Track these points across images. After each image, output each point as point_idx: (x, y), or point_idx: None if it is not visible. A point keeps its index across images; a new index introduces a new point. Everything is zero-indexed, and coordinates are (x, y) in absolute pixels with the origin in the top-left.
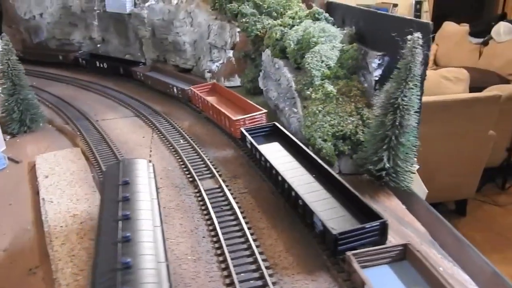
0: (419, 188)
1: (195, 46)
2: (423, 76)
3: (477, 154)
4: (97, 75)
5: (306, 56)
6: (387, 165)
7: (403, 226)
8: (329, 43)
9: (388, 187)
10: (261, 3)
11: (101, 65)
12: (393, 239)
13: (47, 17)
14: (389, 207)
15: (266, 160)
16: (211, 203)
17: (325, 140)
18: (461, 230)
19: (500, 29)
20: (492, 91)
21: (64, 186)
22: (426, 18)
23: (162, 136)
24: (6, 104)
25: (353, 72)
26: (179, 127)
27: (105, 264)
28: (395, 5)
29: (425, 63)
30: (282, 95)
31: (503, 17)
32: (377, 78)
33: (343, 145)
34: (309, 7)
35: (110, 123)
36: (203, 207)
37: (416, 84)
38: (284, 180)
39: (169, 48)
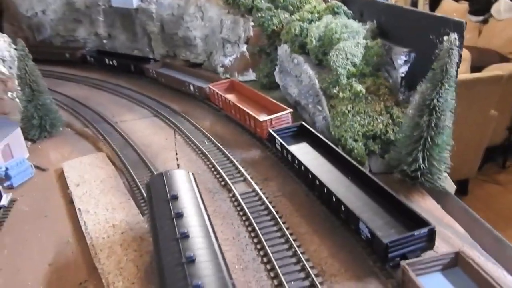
0: (449, 185)
1: (207, 41)
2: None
3: (479, 134)
4: (106, 72)
5: (330, 54)
6: (422, 165)
7: (443, 227)
8: (353, 39)
9: (422, 186)
10: None
11: (111, 63)
12: (436, 243)
13: (50, 14)
14: (424, 207)
15: (300, 163)
16: (247, 207)
17: (356, 140)
18: None
19: (500, 7)
20: (492, 70)
21: (98, 195)
22: None
23: (185, 137)
24: (26, 110)
25: (378, 69)
26: (201, 127)
27: (176, 287)
28: None
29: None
30: (304, 92)
31: None
32: (403, 75)
33: (373, 144)
34: (325, 0)
35: (129, 124)
36: (241, 213)
37: (451, 85)
38: (322, 185)
39: (179, 43)
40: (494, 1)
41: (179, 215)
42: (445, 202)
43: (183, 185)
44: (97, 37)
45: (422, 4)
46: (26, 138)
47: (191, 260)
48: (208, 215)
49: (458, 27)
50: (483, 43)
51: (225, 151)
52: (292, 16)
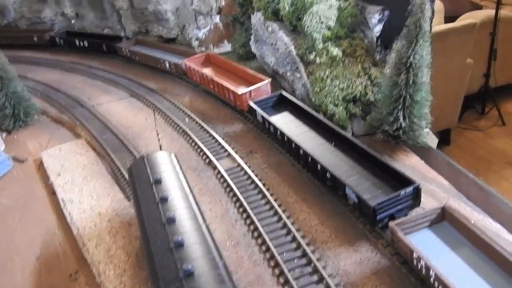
0: (431, 140)
1: (178, 14)
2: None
3: (457, 84)
4: (78, 54)
5: (304, 19)
6: (404, 124)
7: (428, 182)
8: (326, 1)
9: (405, 144)
10: None
11: (81, 44)
12: (422, 199)
13: None
14: (409, 165)
15: (283, 134)
16: (234, 183)
17: (336, 105)
18: None
19: None
20: (465, 19)
21: (80, 183)
22: None
23: (165, 116)
24: None
25: (353, 30)
26: (181, 104)
27: (166, 272)
28: None
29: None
30: (281, 60)
31: None
32: (378, 34)
33: (354, 107)
34: None
35: (106, 107)
36: (227, 189)
37: (426, 40)
38: (306, 153)
39: (150, 18)
40: None
41: (164, 199)
42: (428, 157)
43: (166, 167)
44: (64, 17)
45: None
46: (0, 129)
47: (180, 245)
48: (194, 196)
49: None
50: None
51: (206, 127)
52: None
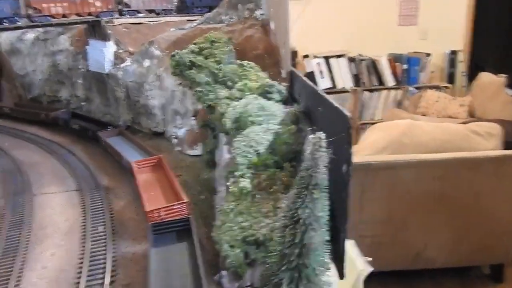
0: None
1: (164, 110)
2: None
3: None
4: (71, 136)
5: (233, 140)
6: None
7: None
8: (266, 124)
9: None
10: (216, 72)
11: (74, 126)
12: None
13: (39, 74)
14: None
15: None
16: None
17: (232, 246)
18: None
19: None
20: None
21: None
22: (461, 68)
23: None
24: None
25: (291, 159)
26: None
27: None
28: (428, 55)
29: (348, 163)
30: (219, 178)
31: None
32: None
33: (256, 252)
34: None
35: (44, 198)
36: None
37: (322, 195)
38: None
39: (141, 110)
40: None
41: None
42: None
43: None
44: (77, 98)
45: (459, 75)
46: None
47: None
48: None
49: (344, 123)
50: None
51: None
52: (222, 92)
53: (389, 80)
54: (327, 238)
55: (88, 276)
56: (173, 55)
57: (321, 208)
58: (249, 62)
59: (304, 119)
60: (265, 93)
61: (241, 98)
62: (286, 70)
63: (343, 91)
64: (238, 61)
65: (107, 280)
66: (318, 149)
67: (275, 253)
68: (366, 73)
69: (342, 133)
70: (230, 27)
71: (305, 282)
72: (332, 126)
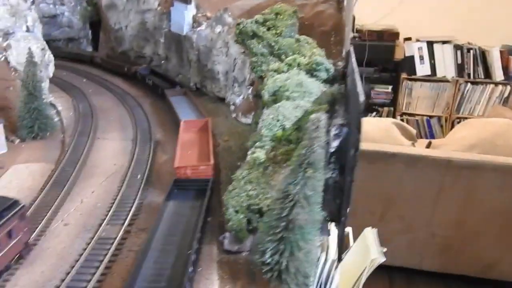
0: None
1: (227, 76)
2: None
3: None
4: (146, 90)
5: (263, 112)
6: (268, 260)
7: None
8: (300, 100)
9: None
10: (273, 44)
11: (149, 82)
12: None
13: (129, 30)
14: None
15: None
16: None
17: (237, 211)
18: None
19: None
20: None
21: None
22: None
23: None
24: (20, 111)
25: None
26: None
27: None
28: None
29: (355, 148)
30: None
31: None
32: (332, 150)
33: (258, 221)
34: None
35: (103, 142)
36: None
37: (315, 174)
38: None
39: (207, 75)
40: None
41: None
42: None
43: None
44: (159, 57)
45: None
46: (17, 136)
47: None
48: None
49: (357, 107)
50: None
51: None
52: (273, 65)
53: (498, 74)
54: (319, 217)
55: (113, 216)
56: (238, 24)
57: (312, 187)
58: (306, 37)
59: (341, 100)
60: (312, 70)
61: (286, 72)
62: (346, 49)
63: (443, 80)
64: (297, 35)
65: (127, 222)
66: (315, 129)
67: (264, 223)
68: (472, 64)
69: (357, 117)
70: (304, 0)
71: (287, 255)
72: (355, 109)
